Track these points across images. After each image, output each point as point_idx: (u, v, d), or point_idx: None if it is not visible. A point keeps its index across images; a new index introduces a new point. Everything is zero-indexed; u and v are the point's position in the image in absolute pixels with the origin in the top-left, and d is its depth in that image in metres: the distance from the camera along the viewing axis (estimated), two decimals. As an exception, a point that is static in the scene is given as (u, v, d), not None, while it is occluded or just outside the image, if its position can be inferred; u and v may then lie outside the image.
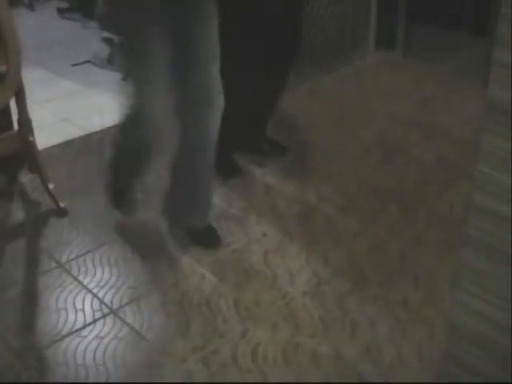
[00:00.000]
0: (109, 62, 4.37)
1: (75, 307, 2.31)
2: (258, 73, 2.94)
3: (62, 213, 2.81)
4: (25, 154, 2.88)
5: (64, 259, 2.55)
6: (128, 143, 2.57)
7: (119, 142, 2.64)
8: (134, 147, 2.56)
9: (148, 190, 2.88)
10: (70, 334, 2.19)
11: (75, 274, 2.48)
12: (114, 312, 2.29)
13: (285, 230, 2.72)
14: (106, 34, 4.42)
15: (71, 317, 2.27)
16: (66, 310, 2.30)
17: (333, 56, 3.74)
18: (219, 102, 2.40)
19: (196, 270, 2.49)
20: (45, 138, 3.15)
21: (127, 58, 2.43)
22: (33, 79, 3.44)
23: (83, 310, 2.30)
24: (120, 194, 2.73)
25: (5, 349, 2.14)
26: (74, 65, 4.43)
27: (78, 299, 2.35)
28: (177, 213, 2.66)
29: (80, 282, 2.43)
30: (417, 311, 2.29)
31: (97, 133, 3.52)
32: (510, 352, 1.51)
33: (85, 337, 2.18)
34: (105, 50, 4.40)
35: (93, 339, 2.17)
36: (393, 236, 2.69)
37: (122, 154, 2.65)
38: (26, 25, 4.44)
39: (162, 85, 2.33)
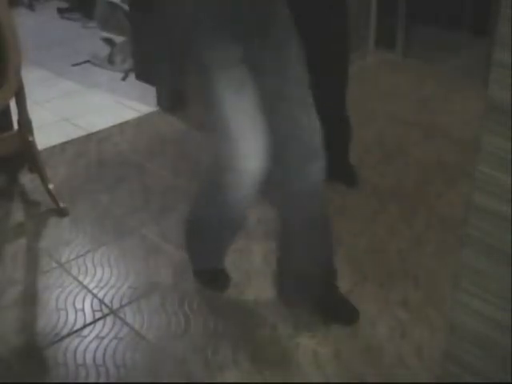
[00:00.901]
0: (109, 62, 4.37)
1: (75, 307, 2.31)
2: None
3: (62, 213, 2.81)
4: (25, 153, 2.88)
5: (64, 259, 2.55)
6: (218, 210, 2.02)
7: (203, 212, 2.13)
8: (225, 215, 2.03)
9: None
10: (70, 334, 2.19)
11: (75, 274, 2.48)
12: (113, 312, 2.29)
13: (285, 230, 2.72)
14: (105, 34, 4.43)
15: (71, 317, 2.27)
16: (66, 310, 2.30)
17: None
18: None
19: (196, 270, 2.49)
20: (45, 138, 3.15)
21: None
22: (33, 79, 3.44)
23: (83, 310, 2.30)
24: (214, 274, 2.31)
25: (5, 349, 2.14)
26: (73, 65, 4.43)
27: (78, 299, 2.35)
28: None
29: (80, 282, 2.43)
30: (417, 311, 2.29)
31: (97, 133, 3.52)
32: (510, 352, 1.50)
33: (85, 337, 2.18)
34: (105, 50, 4.40)
35: (93, 339, 2.17)
36: (393, 236, 2.69)
37: (210, 228, 2.12)
38: (26, 25, 4.45)
39: (259, 128, 1.87)
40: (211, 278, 2.30)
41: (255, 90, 1.87)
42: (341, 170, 2.98)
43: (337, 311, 2.25)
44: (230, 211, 2.00)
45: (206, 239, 2.19)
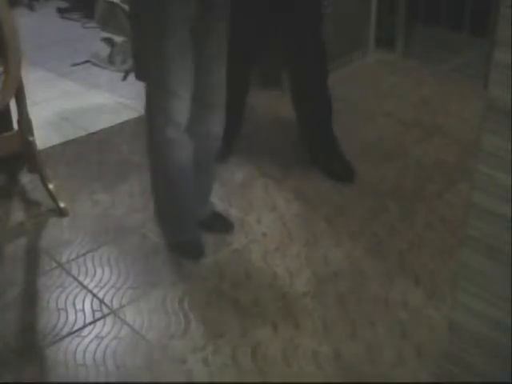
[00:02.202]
0: (109, 62, 4.36)
1: (75, 307, 2.31)
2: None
3: (62, 213, 2.81)
4: (25, 154, 2.88)
5: (64, 259, 2.55)
6: (173, 165, 2.37)
7: (162, 173, 2.43)
8: (181, 168, 2.36)
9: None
10: (69, 334, 2.19)
11: (75, 274, 2.48)
12: (113, 312, 2.29)
13: (285, 230, 2.72)
14: (105, 34, 4.43)
15: (71, 317, 2.27)
16: (66, 310, 2.30)
17: (332, 56, 3.73)
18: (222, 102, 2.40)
19: (196, 270, 2.49)
20: (45, 138, 3.15)
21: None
22: (33, 79, 3.43)
23: (83, 310, 2.30)
24: (188, 244, 2.56)
25: (5, 349, 2.14)
26: (73, 65, 4.43)
27: (78, 299, 2.35)
28: None
29: (80, 282, 2.43)
30: (417, 311, 2.29)
31: (97, 133, 3.52)
32: (510, 352, 1.51)
33: (85, 337, 2.18)
34: (105, 50, 4.39)
35: (93, 339, 2.17)
36: (393, 236, 2.69)
37: (171, 192, 2.43)
38: (26, 25, 4.45)
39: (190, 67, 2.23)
40: (185, 248, 2.53)
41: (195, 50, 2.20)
42: (335, 167, 3.08)
43: (214, 225, 2.64)
44: (178, 166, 2.35)
45: (169, 208, 2.49)
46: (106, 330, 2.21)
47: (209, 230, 2.65)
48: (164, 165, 2.38)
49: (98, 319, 2.26)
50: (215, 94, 2.39)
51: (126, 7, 4.13)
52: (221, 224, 2.70)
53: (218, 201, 2.88)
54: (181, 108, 2.26)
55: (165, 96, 2.23)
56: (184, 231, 2.56)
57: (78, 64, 4.43)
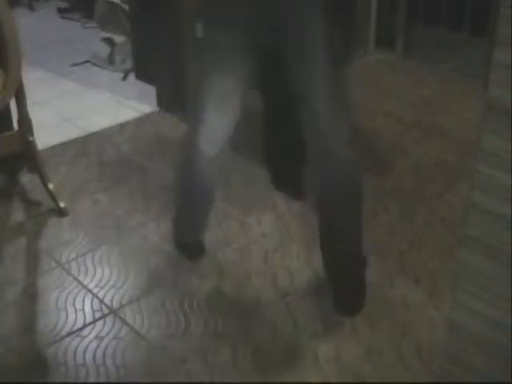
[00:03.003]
0: (109, 62, 4.37)
1: (75, 307, 2.31)
2: None
3: (62, 213, 2.81)
4: (25, 154, 2.88)
5: (64, 259, 2.55)
6: (188, 181, 2.39)
7: (180, 185, 2.47)
8: (195, 186, 2.36)
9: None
10: (69, 334, 2.19)
11: (75, 274, 2.48)
12: (113, 312, 2.29)
13: (285, 230, 2.72)
14: (105, 34, 4.43)
15: (71, 317, 2.27)
16: (66, 310, 2.30)
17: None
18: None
19: (196, 270, 2.49)
20: (45, 138, 3.15)
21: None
22: (33, 79, 3.43)
23: (83, 309, 2.30)
24: (190, 244, 2.59)
25: (5, 349, 2.14)
26: (73, 65, 4.43)
27: (78, 299, 2.35)
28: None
29: (80, 282, 2.43)
30: (417, 311, 2.29)
31: (97, 133, 3.52)
32: (510, 352, 1.51)
33: (85, 337, 2.18)
34: (105, 50, 4.39)
35: (93, 339, 2.17)
36: (393, 236, 2.69)
37: (188, 197, 2.45)
38: (26, 25, 4.45)
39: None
40: (188, 249, 2.56)
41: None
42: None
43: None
44: (198, 181, 2.32)
45: (183, 211, 2.48)
46: (105, 329, 2.21)
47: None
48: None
49: (98, 319, 2.26)
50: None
51: (126, 7, 4.13)
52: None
53: (218, 201, 2.88)
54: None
55: None
56: (186, 231, 2.55)
57: (77, 64, 4.43)
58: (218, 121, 2.15)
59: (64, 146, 3.40)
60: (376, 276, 2.45)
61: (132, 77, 4.13)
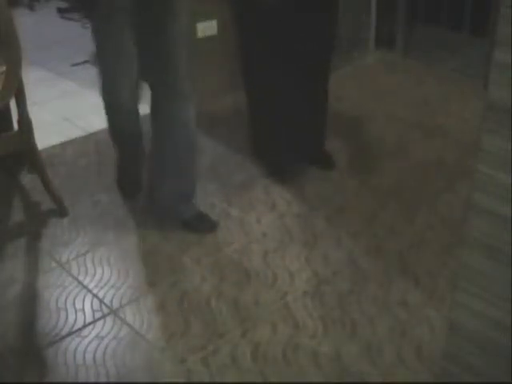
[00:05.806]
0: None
1: (75, 307, 2.31)
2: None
3: (62, 213, 2.81)
4: (25, 154, 2.88)
5: (64, 259, 2.56)
6: (116, 131, 2.82)
7: (111, 132, 2.87)
8: (123, 134, 2.81)
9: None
10: (70, 334, 2.19)
11: (75, 274, 2.48)
12: (113, 312, 2.29)
13: (285, 230, 2.72)
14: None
15: (71, 317, 2.27)
16: (66, 310, 2.30)
17: (333, 56, 3.73)
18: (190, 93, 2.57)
19: (196, 270, 2.49)
20: (45, 138, 3.15)
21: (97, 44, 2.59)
22: (33, 79, 3.44)
23: (83, 310, 2.30)
24: (128, 186, 2.95)
25: (5, 349, 2.14)
26: (73, 65, 4.43)
27: (78, 299, 2.35)
28: (164, 203, 2.75)
29: (80, 282, 2.43)
30: (417, 311, 2.29)
31: (97, 133, 3.52)
32: (510, 352, 1.51)
33: (85, 337, 2.18)
34: (105, 50, 4.38)
35: (93, 339, 2.17)
36: (393, 236, 2.69)
37: (120, 145, 2.87)
38: (26, 25, 4.45)
39: (132, 73, 2.57)
40: (127, 189, 2.96)
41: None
42: (317, 156, 3.19)
43: (195, 224, 2.73)
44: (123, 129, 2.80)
45: (120, 156, 2.91)
46: (105, 329, 2.21)
47: (194, 230, 2.70)
48: None
49: (98, 319, 2.26)
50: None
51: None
52: (205, 224, 2.73)
53: (218, 201, 2.89)
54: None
55: None
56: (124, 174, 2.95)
57: (77, 64, 4.43)
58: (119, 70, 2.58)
59: (64, 145, 3.40)
60: (376, 276, 2.45)
61: (132, 77, 4.12)
